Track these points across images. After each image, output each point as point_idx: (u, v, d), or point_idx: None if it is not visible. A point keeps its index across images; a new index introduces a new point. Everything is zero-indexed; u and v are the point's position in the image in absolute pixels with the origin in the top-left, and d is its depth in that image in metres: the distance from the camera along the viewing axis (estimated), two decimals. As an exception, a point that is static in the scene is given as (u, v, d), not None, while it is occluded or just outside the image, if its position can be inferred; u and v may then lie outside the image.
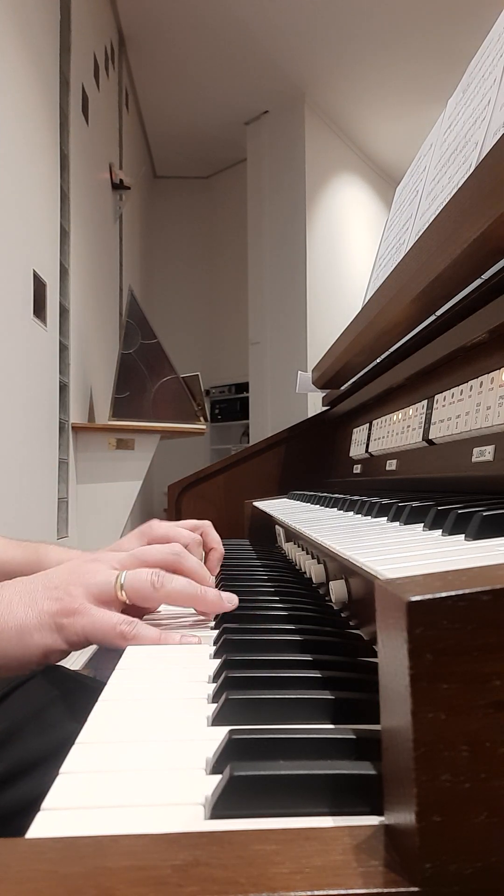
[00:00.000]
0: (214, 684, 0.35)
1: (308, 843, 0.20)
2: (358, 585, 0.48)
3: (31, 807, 0.23)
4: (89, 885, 0.18)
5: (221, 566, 0.68)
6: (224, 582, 0.62)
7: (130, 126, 4.53)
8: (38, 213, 2.23)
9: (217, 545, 0.65)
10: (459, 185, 0.57)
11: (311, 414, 1.52)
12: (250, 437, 5.03)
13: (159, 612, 0.54)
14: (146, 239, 5.51)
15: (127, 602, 0.45)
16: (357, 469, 1.12)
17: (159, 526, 0.59)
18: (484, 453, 0.61)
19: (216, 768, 0.25)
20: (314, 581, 0.63)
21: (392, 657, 0.19)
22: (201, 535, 0.63)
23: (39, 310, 2.19)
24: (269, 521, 1.09)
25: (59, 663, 0.57)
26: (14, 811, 0.43)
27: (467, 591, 0.18)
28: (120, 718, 0.31)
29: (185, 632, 0.46)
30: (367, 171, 5.54)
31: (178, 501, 1.42)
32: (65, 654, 0.44)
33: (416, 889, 0.18)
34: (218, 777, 0.24)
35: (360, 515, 0.65)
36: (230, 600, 0.48)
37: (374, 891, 0.18)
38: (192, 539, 0.58)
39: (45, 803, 0.23)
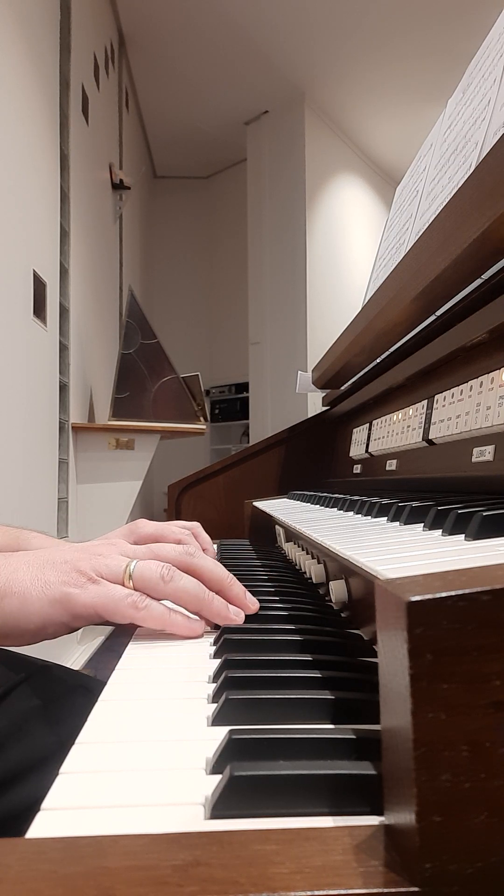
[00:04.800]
0: (214, 684, 0.35)
1: (308, 843, 0.20)
2: (358, 585, 0.48)
3: (31, 807, 0.23)
4: (89, 885, 0.18)
5: None
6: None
7: (130, 126, 4.53)
8: (38, 213, 2.23)
9: (207, 545, 0.64)
10: (459, 185, 0.57)
11: (310, 414, 1.52)
12: (250, 437, 5.03)
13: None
14: (146, 239, 5.51)
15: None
16: (357, 469, 1.12)
17: (146, 524, 0.58)
18: (484, 453, 0.61)
19: (216, 768, 0.25)
20: (314, 581, 0.63)
21: (392, 657, 0.19)
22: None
23: (39, 310, 2.19)
24: (269, 521, 1.09)
25: (60, 663, 0.57)
26: (14, 811, 0.43)
27: (467, 591, 0.18)
28: (120, 718, 0.31)
29: (191, 616, 0.45)
30: (367, 171, 5.54)
31: (178, 501, 1.42)
32: (65, 628, 0.43)
33: (416, 889, 0.18)
34: (218, 777, 0.24)
35: (360, 515, 0.65)
36: (237, 613, 0.46)
37: (374, 891, 0.18)
38: (182, 535, 0.58)
39: (45, 803, 0.23)
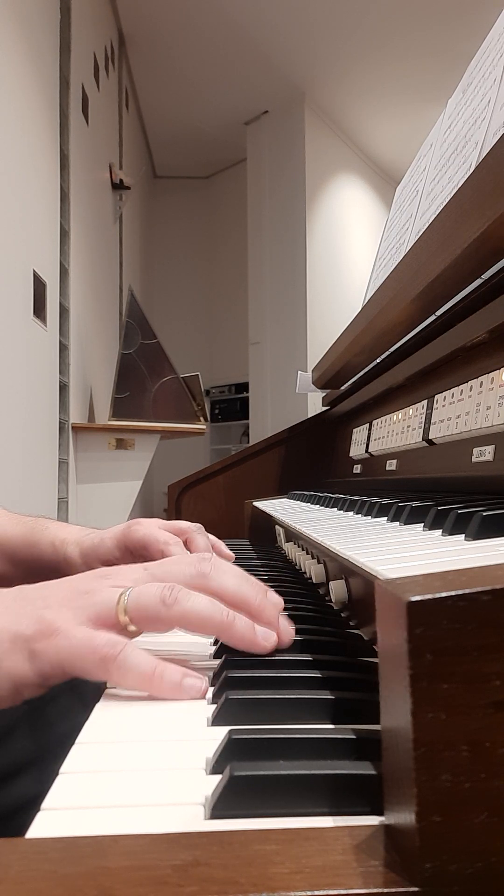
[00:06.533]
0: (214, 684, 0.35)
1: (308, 843, 0.20)
2: (358, 585, 0.48)
3: (31, 804, 0.23)
4: (89, 885, 0.18)
5: None
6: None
7: (130, 126, 4.53)
8: (38, 213, 2.23)
9: (210, 547, 0.57)
10: (459, 185, 0.57)
11: (310, 414, 1.52)
12: (250, 437, 5.03)
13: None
14: (146, 239, 5.51)
15: (130, 625, 0.35)
16: (357, 469, 1.12)
17: (138, 529, 0.53)
18: (484, 453, 0.61)
19: (216, 768, 0.25)
20: (314, 581, 0.63)
21: (392, 657, 0.19)
22: (185, 542, 0.55)
23: (39, 310, 2.19)
24: (269, 521, 1.09)
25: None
26: (14, 809, 0.43)
27: (467, 591, 0.18)
28: (120, 718, 0.31)
29: (189, 670, 0.35)
30: (367, 171, 5.54)
31: (178, 501, 1.42)
32: (39, 689, 0.34)
33: (416, 889, 0.18)
34: (218, 777, 0.24)
35: (360, 515, 0.65)
36: (266, 636, 0.37)
37: (374, 891, 0.18)
38: (168, 546, 0.52)
39: (45, 803, 0.23)
